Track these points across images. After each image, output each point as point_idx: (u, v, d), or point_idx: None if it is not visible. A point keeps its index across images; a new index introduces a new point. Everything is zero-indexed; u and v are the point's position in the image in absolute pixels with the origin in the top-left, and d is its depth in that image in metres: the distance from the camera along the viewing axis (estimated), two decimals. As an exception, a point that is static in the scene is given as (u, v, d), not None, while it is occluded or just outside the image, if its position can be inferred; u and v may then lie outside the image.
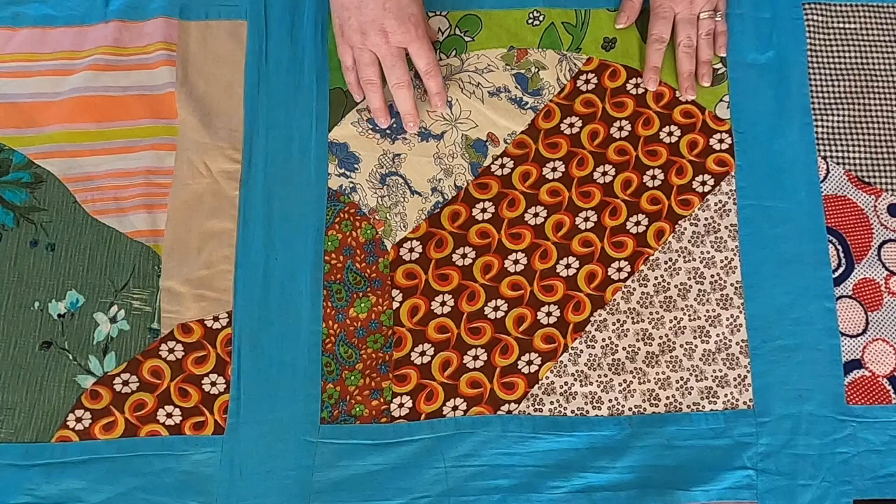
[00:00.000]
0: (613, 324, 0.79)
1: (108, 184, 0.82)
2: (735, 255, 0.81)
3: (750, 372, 0.78)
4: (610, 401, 0.77)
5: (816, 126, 0.84)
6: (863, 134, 0.84)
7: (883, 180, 0.83)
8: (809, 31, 0.87)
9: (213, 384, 0.77)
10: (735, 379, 0.78)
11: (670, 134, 0.84)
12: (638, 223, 0.82)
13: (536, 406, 0.77)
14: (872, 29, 0.87)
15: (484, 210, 0.82)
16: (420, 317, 0.79)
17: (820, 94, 0.85)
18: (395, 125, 0.84)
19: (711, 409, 0.77)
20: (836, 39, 0.87)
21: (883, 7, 0.88)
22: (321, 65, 0.85)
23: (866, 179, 0.83)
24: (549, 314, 0.79)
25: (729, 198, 0.82)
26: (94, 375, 0.77)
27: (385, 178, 0.83)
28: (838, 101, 0.85)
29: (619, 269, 0.80)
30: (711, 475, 0.75)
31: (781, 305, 0.79)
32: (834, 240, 0.81)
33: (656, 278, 0.80)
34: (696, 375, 0.78)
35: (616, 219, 0.82)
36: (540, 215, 0.82)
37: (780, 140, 0.84)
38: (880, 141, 0.84)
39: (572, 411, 0.77)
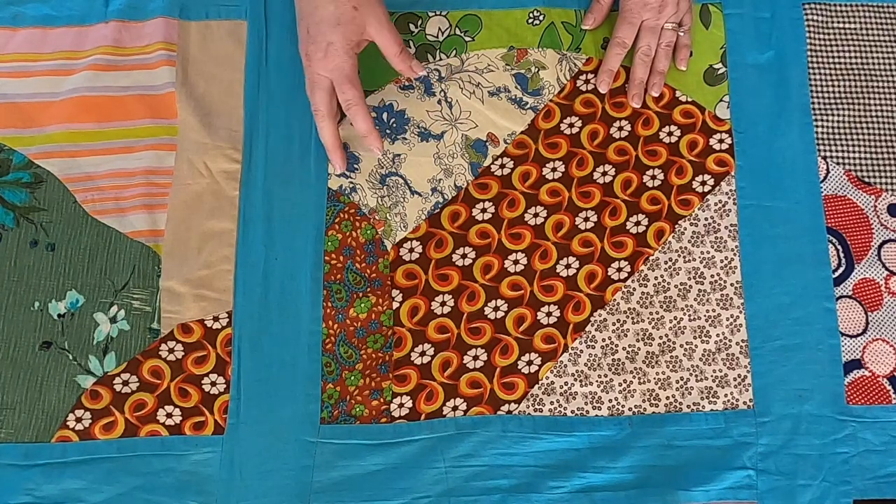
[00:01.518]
0: (613, 324, 0.79)
1: (108, 184, 0.82)
2: (735, 255, 0.81)
3: (750, 372, 0.78)
4: (610, 401, 0.77)
5: (816, 126, 0.84)
6: (863, 134, 0.84)
7: (883, 180, 0.83)
8: (809, 31, 0.87)
9: (213, 384, 0.77)
10: (735, 379, 0.78)
11: (670, 134, 0.84)
12: (638, 223, 0.82)
13: (536, 406, 0.77)
14: (872, 29, 0.87)
15: (484, 210, 0.82)
16: (420, 317, 0.79)
17: (820, 94, 0.85)
18: (394, 125, 0.84)
19: (711, 409, 0.77)
20: (836, 39, 0.87)
21: (883, 7, 0.88)
22: (321, 65, 0.85)
23: (866, 179, 0.83)
24: (549, 314, 0.79)
25: (729, 198, 0.82)
26: (94, 375, 0.77)
27: (385, 178, 0.83)
28: (838, 101, 0.85)
29: (619, 269, 0.80)
30: (711, 475, 0.75)
31: (781, 305, 0.79)
32: (834, 240, 0.81)
33: (656, 278, 0.80)
34: (696, 375, 0.78)
35: (616, 219, 0.82)
36: (540, 215, 0.82)
37: (780, 140, 0.84)
38: (880, 141, 0.84)
39: (572, 411, 0.77)
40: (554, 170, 0.83)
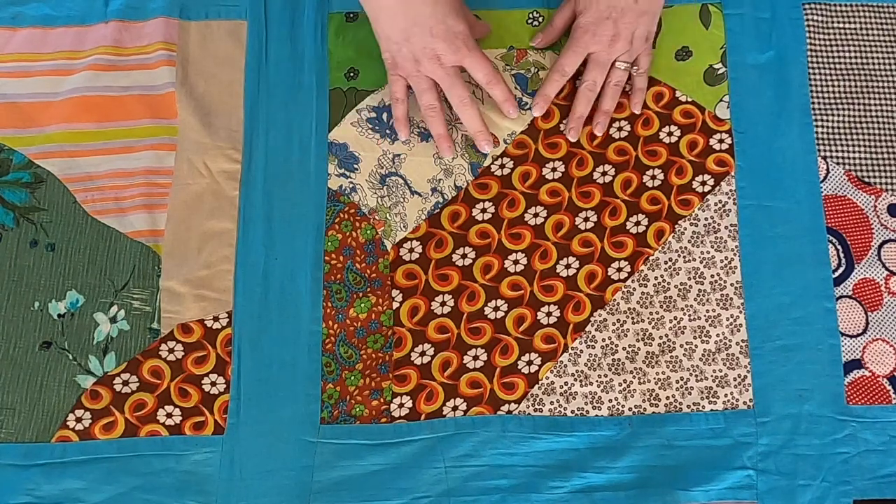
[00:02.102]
0: (613, 324, 0.79)
1: (108, 184, 0.82)
2: (735, 255, 0.81)
3: (750, 372, 0.78)
4: (610, 401, 0.77)
5: (816, 126, 0.84)
6: (863, 134, 0.84)
7: (883, 180, 0.83)
8: (809, 31, 0.87)
9: (213, 384, 0.77)
10: (735, 379, 0.78)
11: (670, 134, 0.84)
12: (638, 223, 0.82)
13: (536, 406, 0.77)
14: (872, 29, 0.87)
15: (484, 210, 0.82)
16: (420, 317, 0.79)
17: (820, 94, 0.85)
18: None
19: (711, 409, 0.77)
20: (836, 39, 0.87)
21: (883, 7, 0.88)
22: (321, 65, 0.85)
23: (866, 179, 0.83)
24: (549, 314, 0.79)
25: (729, 198, 0.82)
26: (94, 375, 0.77)
27: (385, 178, 0.83)
28: (838, 101, 0.85)
29: (619, 269, 0.80)
30: (711, 475, 0.75)
31: (781, 305, 0.79)
32: (834, 240, 0.81)
33: (656, 278, 0.80)
34: (696, 375, 0.78)
35: (616, 219, 0.82)
36: (540, 215, 0.82)
37: (780, 140, 0.84)
38: (880, 141, 0.84)
39: (572, 411, 0.77)
40: (554, 170, 0.83)
